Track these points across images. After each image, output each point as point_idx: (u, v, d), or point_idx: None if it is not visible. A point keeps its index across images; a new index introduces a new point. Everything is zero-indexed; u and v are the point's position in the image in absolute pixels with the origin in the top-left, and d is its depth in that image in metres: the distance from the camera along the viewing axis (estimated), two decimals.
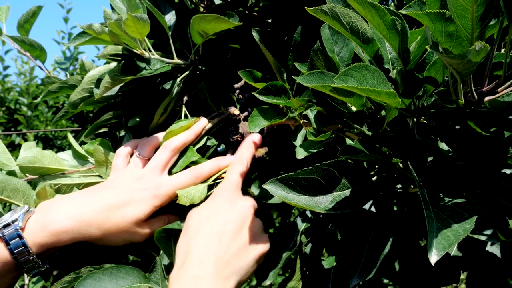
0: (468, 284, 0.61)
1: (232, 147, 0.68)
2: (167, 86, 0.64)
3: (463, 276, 0.64)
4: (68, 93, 0.75)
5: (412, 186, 0.43)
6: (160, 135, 0.62)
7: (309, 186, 0.43)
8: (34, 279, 1.03)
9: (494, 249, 0.58)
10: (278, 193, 0.41)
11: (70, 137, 0.65)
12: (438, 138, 0.48)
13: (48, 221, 0.50)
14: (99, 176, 0.63)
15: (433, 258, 0.30)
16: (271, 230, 1.52)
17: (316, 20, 0.58)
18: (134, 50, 0.59)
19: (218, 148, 0.76)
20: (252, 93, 0.50)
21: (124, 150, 0.61)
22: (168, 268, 0.54)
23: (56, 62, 1.10)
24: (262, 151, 0.66)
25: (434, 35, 0.35)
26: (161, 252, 0.55)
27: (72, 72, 1.06)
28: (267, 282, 0.52)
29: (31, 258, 0.49)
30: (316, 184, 0.43)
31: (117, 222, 0.52)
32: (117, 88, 0.62)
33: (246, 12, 0.72)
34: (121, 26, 0.52)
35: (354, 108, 0.47)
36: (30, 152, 0.58)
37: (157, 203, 0.55)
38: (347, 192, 0.44)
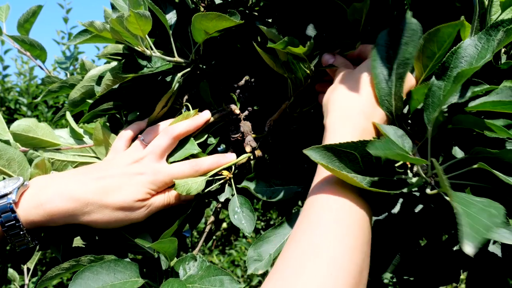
0: (468, 284, 0.61)
1: (232, 147, 0.68)
2: (168, 79, 0.64)
3: (463, 276, 0.64)
4: (68, 92, 0.75)
5: (428, 190, 0.43)
6: (166, 124, 0.62)
7: (348, 161, 0.42)
8: (34, 279, 1.03)
9: (495, 248, 0.58)
10: (317, 159, 0.41)
11: (69, 115, 0.64)
12: (453, 142, 0.49)
13: (44, 199, 0.49)
14: (95, 157, 0.63)
15: (468, 249, 0.30)
16: None
17: (318, 19, 0.58)
18: (135, 48, 0.59)
19: (218, 148, 0.76)
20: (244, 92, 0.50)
21: (126, 133, 0.61)
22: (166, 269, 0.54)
23: (56, 61, 1.10)
24: (259, 153, 0.66)
25: None
26: (160, 253, 0.55)
27: (72, 72, 1.06)
28: (259, 271, 0.53)
29: (21, 233, 0.48)
30: (354, 162, 0.42)
31: (113, 203, 0.52)
32: (117, 85, 0.62)
33: (247, 11, 0.72)
34: (123, 23, 0.52)
35: None
36: (25, 121, 0.57)
37: (153, 189, 0.55)
38: (377, 180, 0.43)
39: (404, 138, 0.44)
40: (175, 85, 0.63)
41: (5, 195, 0.48)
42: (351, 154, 0.41)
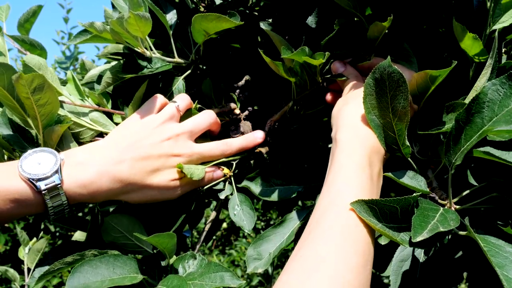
0: (468, 284, 0.61)
1: None
2: (170, 80, 0.64)
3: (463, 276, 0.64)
4: None
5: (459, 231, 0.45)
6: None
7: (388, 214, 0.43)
8: (33, 274, 1.03)
9: None
10: (363, 215, 0.41)
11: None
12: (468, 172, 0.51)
13: (87, 179, 0.50)
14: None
15: None
16: None
17: (318, 16, 0.58)
18: (135, 49, 0.59)
19: None
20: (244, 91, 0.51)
21: (160, 99, 0.59)
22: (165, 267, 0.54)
23: (56, 61, 1.10)
24: (263, 150, 0.67)
25: None
26: (158, 249, 0.55)
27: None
28: (259, 270, 0.53)
29: (66, 209, 0.50)
30: (393, 213, 0.43)
31: (152, 184, 0.54)
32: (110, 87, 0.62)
33: (247, 11, 0.72)
34: (123, 24, 0.52)
35: None
36: (38, 59, 0.55)
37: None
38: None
39: (417, 177, 0.46)
40: (175, 86, 0.63)
41: (50, 175, 0.48)
42: (392, 207, 0.42)
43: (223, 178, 0.63)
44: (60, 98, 0.55)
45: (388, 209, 0.42)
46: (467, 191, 0.48)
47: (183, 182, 0.57)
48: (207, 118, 0.60)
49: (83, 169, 0.51)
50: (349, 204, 0.41)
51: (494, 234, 0.43)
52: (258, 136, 0.64)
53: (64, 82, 0.72)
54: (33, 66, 0.54)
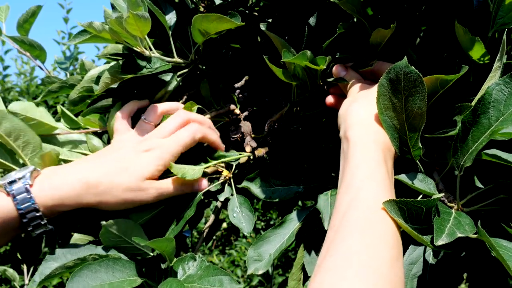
0: (468, 284, 0.61)
1: (232, 147, 0.68)
2: (167, 77, 0.64)
3: (463, 276, 0.64)
4: (68, 92, 0.75)
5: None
6: (168, 103, 0.62)
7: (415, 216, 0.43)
8: (32, 277, 1.03)
9: None
10: (393, 215, 0.41)
11: (61, 108, 0.64)
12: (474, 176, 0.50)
13: (56, 183, 0.51)
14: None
15: None
16: None
17: (320, 17, 0.58)
18: (134, 49, 0.59)
19: None
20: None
21: (124, 112, 0.61)
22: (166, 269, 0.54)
23: (56, 62, 1.10)
24: (262, 151, 0.66)
25: None
26: (157, 251, 0.55)
27: (72, 72, 1.05)
28: (259, 271, 0.53)
29: (38, 215, 0.49)
30: (418, 213, 0.43)
31: (121, 184, 0.53)
32: (116, 84, 0.62)
33: (247, 12, 0.72)
34: (122, 24, 0.52)
35: None
36: (23, 103, 0.58)
37: (160, 164, 0.55)
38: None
39: (426, 180, 0.47)
40: (171, 84, 0.63)
41: (20, 178, 0.49)
42: (419, 208, 0.42)
43: (222, 180, 0.63)
44: (56, 131, 0.61)
45: (415, 210, 0.42)
46: (474, 193, 0.48)
47: (159, 185, 0.55)
48: (177, 121, 0.59)
49: (55, 176, 0.52)
50: (373, 200, 0.41)
51: (498, 235, 0.43)
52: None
53: (66, 86, 0.73)
54: (20, 111, 0.57)
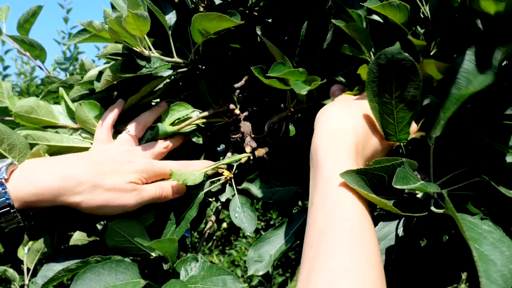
0: (468, 284, 0.61)
1: (232, 147, 0.68)
2: (165, 73, 0.64)
3: (463, 276, 0.64)
4: (68, 92, 0.75)
5: (433, 208, 0.43)
6: (150, 117, 0.63)
7: (377, 183, 0.41)
8: (34, 279, 1.03)
9: None
10: (354, 186, 0.39)
11: (62, 91, 0.64)
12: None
13: (34, 177, 0.49)
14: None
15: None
16: None
17: (319, 18, 0.58)
18: (134, 48, 0.59)
19: (218, 148, 0.76)
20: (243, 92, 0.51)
21: (107, 122, 0.60)
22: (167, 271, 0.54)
23: (56, 62, 1.10)
24: (262, 151, 0.66)
25: None
26: (160, 252, 0.55)
27: (72, 72, 1.05)
28: (260, 272, 0.52)
29: (12, 211, 0.47)
30: (382, 183, 0.41)
31: (105, 184, 0.52)
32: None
33: (247, 12, 0.72)
34: (121, 24, 0.52)
35: None
36: (27, 101, 0.58)
37: (144, 177, 0.56)
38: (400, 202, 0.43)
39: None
40: (166, 78, 0.63)
41: None
42: (381, 176, 0.41)
43: (223, 181, 0.63)
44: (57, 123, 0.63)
45: (377, 179, 0.40)
46: (450, 175, 0.46)
47: (142, 188, 0.55)
48: (163, 146, 0.61)
49: (34, 170, 0.50)
50: (351, 216, 0.38)
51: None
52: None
53: (66, 86, 0.73)
54: (25, 113, 0.59)
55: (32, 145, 0.56)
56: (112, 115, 0.61)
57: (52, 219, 0.58)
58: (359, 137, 0.44)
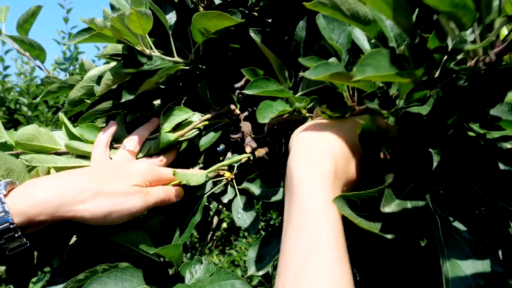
0: None
1: (232, 147, 0.68)
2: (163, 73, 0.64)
3: None
4: (68, 93, 0.75)
5: None
6: (143, 130, 0.63)
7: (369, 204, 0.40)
8: (34, 279, 1.03)
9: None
10: (344, 210, 0.39)
11: (63, 117, 0.64)
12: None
13: (33, 189, 0.47)
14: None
15: None
16: None
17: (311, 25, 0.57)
18: (135, 47, 0.59)
19: (218, 148, 0.76)
20: (243, 91, 0.50)
21: (102, 140, 0.60)
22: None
23: (56, 62, 1.10)
24: (262, 151, 0.66)
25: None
26: (165, 258, 0.55)
27: (72, 72, 1.05)
28: (260, 272, 0.52)
29: (12, 227, 0.45)
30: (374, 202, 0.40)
31: (109, 190, 0.50)
32: (116, 86, 0.62)
33: (246, 11, 0.72)
34: (123, 21, 0.52)
35: None
36: (28, 129, 0.58)
37: (147, 179, 0.55)
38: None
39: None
40: (169, 70, 0.63)
41: None
42: (373, 198, 0.40)
43: (224, 182, 0.63)
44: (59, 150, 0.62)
45: (369, 199, 0.40)
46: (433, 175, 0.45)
47: (147, 190, 0.54)
48: (160, 160, 0.61)
49: (34, 186, 0.48)
50: (329, 252, 0.36)
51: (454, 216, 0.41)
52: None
53: (65, 86, 0.73)
54: (26, 141, 0.58)
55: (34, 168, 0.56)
56: (107, 134, 0.61)
57: (59, 241, 0.57)
58: (337, 163, 0.42)
